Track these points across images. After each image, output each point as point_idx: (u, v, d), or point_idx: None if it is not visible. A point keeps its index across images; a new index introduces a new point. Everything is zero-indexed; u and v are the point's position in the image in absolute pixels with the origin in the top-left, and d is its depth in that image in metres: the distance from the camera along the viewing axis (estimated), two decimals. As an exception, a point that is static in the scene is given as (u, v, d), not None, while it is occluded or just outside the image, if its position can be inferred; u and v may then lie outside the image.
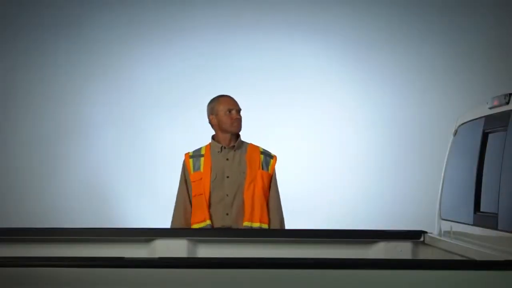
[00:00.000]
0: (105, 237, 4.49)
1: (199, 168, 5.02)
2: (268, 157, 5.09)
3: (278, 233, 4.74)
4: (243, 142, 5.12)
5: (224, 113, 5.06)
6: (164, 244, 4.43)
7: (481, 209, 3.83)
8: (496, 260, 3.29)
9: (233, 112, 5.06)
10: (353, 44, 7.85)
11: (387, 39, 7.82)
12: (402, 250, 4.44)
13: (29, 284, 3.01)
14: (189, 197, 5.04)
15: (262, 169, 5.03)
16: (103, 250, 4.39)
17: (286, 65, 7.86)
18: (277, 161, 5.12)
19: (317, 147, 7.84)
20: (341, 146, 7.83)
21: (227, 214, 4.95)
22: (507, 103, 3.68)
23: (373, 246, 4.48)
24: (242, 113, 5.14)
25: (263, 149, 5.13)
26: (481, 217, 3.79)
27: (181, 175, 5.10)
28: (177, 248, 4.41)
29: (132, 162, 7.83)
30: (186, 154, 5.11)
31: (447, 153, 4.45)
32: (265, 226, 4.98)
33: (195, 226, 4.97)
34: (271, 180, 5.07)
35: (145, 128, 7.85)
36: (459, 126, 4.33)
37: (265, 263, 3.16)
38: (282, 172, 7.81)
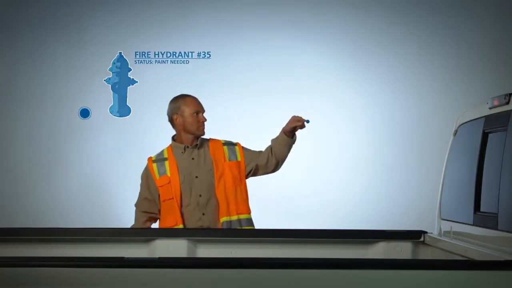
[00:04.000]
0: (105, 237, 4.48)
1: (164, 172, 4.94)
2: (231, 146, 5.02)
3: (278, 233, 4.74)
4: (203, 139, 5.06)
5: (191, 115, 5.01)
6: (164, 244, 4.43)
7: (481, 209, 3.83)
8: (496, 260, 3.29)
9: (200, 115, 5.02)
10: (353, 44, 7.84)
11: (387, 39, 7.82)
12: (402, 250, 4.44)
13: (29, 284, 3.01)
14: (149, 201, 4.97)
15: (230, 160, 4.97)
16: (103, 250, 4.38)
17: (286, 65, 7.86)
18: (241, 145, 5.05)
19: (317, 147, 7.84)
20: (341, 146, 7.83)
21: (203, 214, 4.89)
22: (507, 103, 3.68)
23: (373, 246, 4.48)
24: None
25: (225, 141, 5.06)
26: (481, 217, 3.79)
27: (142, 179, 5.02)
28: (177, 248, 4.40)
29: (132, 162, 7.82)
30: (149, 159, 5.04)
31: (447, 153, 4.45)
32: (243, 216, 4.91)
33: None
34: (245, 162, 4.99)
35: (145, 128, 7.84)
36: (459, 126, 4.33)
37: (265, 263, 3.16)
38: (282, 173, 7.82)
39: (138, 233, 4.59)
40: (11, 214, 7.53)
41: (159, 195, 4.96)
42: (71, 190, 7.78)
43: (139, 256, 3.97)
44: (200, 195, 4.90)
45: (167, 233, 4.60)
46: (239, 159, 5.00)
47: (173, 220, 4.89)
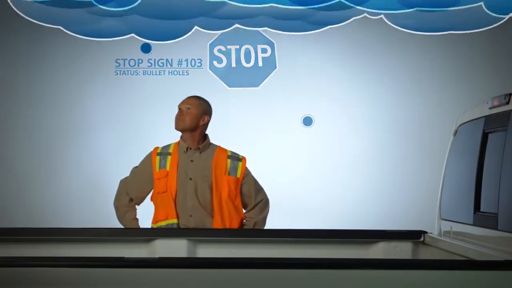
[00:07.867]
0: (105, 237, 4.49)
1: (164, 166, 4.96)
2: (235, 161, 4.98)
3: (278, 233, 4.74)
4: (211, 144, 5.04)
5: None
6: (164, 244, 4.43)
7: (481, 209, 3.83)
8: (496, 260, 3.29)
9: (179, 110, 5.02)
10: (354, 44, 7.84)
11: (387, 39, 7.82)
12: (402, 250, 4.44)
13: (29, 284, 3.01)
14: (137, 191, 5.04)
15: (229, 174, 4.94)
16: (103, 250, 4.39)
17: (286, 65, 7.85)
18: (246, 162, 5.02)
19: (317, 147, 7.84)
20: (341, 146, 7.83)
21: (190, 216, 4.91)
22: (507, 103, 3.68)
23: (373, 246, 4.48)
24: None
25: (231, 153, 5.02)
26: (481, 217, 3.79)
27: (141, 166, 5.07)
28: (177, 248, 4.40)
29: (132, 162, 7.81)
30: (154, 150, 5.06)
31: (447, 153, 4.45)
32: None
33: (158, 224, 4.92)
34: (241, 183, 4.97)
35: (145, 128, 7.84)
36: (459, 126, 4.33)
37: (265, 263, 3.16)
38: (283, 173, 7.82)
39: (138, 233, 4.59)
40: (11, 214, 7.53)
41: (151, 189, 4.99)
42: (71, 190, 7.78)
43: (139, 256, 3.97)
44: (189, 197, 4.91)
45: (167, 233, 4.60)
46: (238, 176, 4.97)
47: (164, 213, 4.91)
